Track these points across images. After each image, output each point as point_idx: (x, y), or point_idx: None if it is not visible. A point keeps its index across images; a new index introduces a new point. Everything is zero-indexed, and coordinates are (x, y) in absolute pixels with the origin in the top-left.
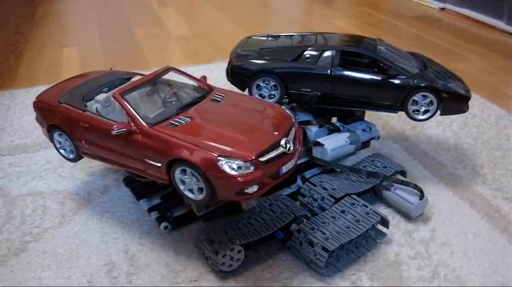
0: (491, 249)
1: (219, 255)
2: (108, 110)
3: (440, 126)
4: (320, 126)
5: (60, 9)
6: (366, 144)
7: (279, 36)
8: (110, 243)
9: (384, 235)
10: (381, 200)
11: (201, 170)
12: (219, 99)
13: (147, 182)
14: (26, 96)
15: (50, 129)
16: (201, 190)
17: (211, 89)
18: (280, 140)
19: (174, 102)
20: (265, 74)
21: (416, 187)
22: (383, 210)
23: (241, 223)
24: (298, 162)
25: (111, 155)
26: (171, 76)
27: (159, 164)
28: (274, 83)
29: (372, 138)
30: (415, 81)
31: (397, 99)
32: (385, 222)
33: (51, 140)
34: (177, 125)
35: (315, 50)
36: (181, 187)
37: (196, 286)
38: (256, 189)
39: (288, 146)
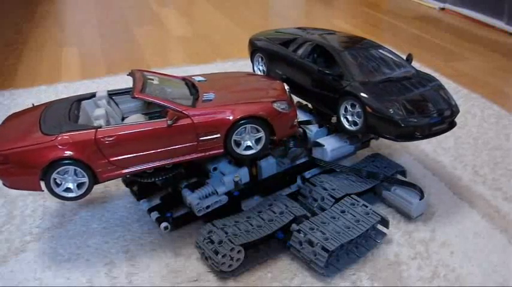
0: (491, 249)
1: (219, 255)
2: (109, 123)
3: None
4: (320, 126)
5: (60, 9)
6: (365, 144)
7: (299, 29)
8: (110, 243)
9: (384, 235)
10: (381, 200)
11: (263, 118)
12: (204, 80)
13: (147, 183)
14: (26, 96)
15: (46, 172)
16: (258, 140)
17: (182, 77)
18: (284, 85)
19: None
20: (259, 52)
21: (416, 187)
22: (383, 210)
23: (241, 223)
24: (298, 162)
25: (150, 155)
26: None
27: (218, 135)
28: (264, 61)
29: (372, 138)
30: (348, 87)
31: (332, 102)
32: (385, 222)
33: (46, 185)
34: (211, 100)
35: (300, 41)
36: (237, 150)
37: (196, 286)
38: (297, 120)
39: (288, 88)
